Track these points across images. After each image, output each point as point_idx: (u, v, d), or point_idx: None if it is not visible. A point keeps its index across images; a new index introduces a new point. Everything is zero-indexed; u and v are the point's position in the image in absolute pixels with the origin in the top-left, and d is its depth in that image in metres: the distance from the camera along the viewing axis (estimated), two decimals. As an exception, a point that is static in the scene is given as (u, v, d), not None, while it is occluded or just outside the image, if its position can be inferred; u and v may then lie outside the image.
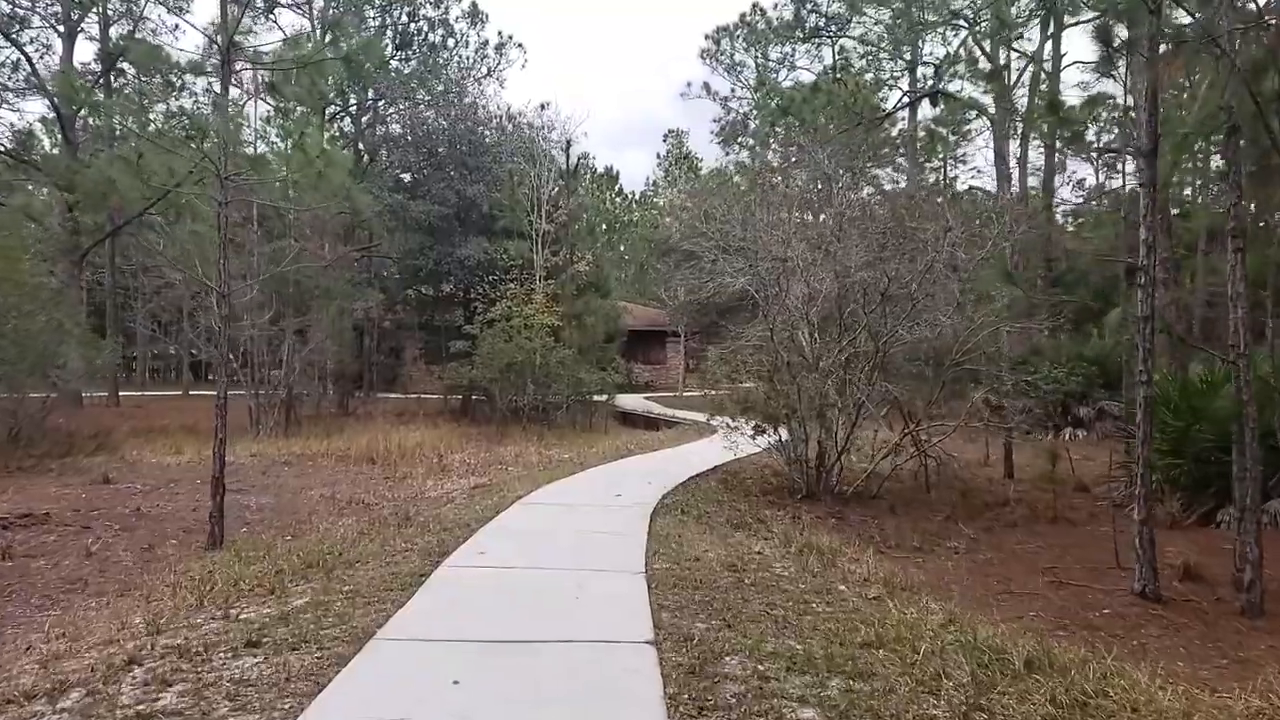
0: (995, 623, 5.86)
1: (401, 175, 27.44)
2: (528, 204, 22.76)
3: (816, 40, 39.34)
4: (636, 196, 72.98)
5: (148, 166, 9.34)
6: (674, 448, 17.85)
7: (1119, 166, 25.34)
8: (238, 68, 14.62)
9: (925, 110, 34.11)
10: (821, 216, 13.89)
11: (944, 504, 12.37)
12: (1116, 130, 18.20)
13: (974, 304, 12.13)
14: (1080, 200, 30.16)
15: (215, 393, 9.91)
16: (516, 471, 14.91)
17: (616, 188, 69.56)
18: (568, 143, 24.52)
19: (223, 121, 10.22)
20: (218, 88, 12.16)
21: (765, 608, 5.78)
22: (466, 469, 15.67)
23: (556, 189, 24.37)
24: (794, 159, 24.46)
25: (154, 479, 14.06)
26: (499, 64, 31.76)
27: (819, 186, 15.81)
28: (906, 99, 30.18)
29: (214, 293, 11.07)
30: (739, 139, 50.83)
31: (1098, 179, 31.11)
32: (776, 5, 42.02)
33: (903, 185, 33.25)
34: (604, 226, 64.03)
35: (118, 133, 23.17)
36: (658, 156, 74.24)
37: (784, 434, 12.58)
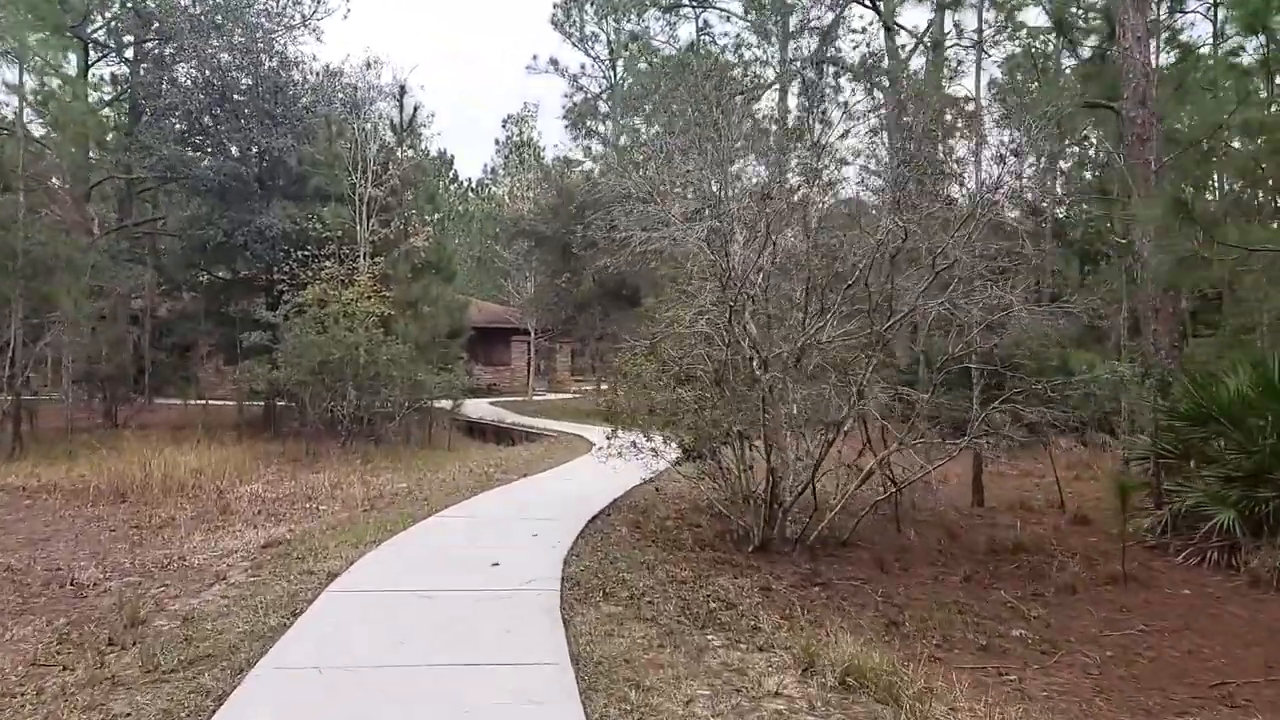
0: None
1: (182, 128, 21.86)
2: (349, 161, 18.13)
3: (676, 11, 36.17)
4: (473, 184, 67.90)
5: None
6: (546, 471, 13.84)
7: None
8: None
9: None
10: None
11: (932, 549, 9.10)
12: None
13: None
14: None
15: None
16: (331, 515, 10.52)
17: (451, 174, 64.23)
18: (401, 89, 20.01)
19: None
20: None
21: None
22: (258, 511, 11.07)
23: (387, 146, 19.78)
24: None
25: None
26: (314, 10, 26.48)
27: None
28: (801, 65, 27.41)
29: None
30: (588, 122, 47.32)
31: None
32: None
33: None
34: (437, 216, 58.42)
35: None
36: (496, 143, 69.42)
37: (725, 459, 8.92)
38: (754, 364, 8.05)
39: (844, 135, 10.50)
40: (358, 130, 18.86)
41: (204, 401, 22.59)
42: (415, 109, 19.91)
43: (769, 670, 4.95)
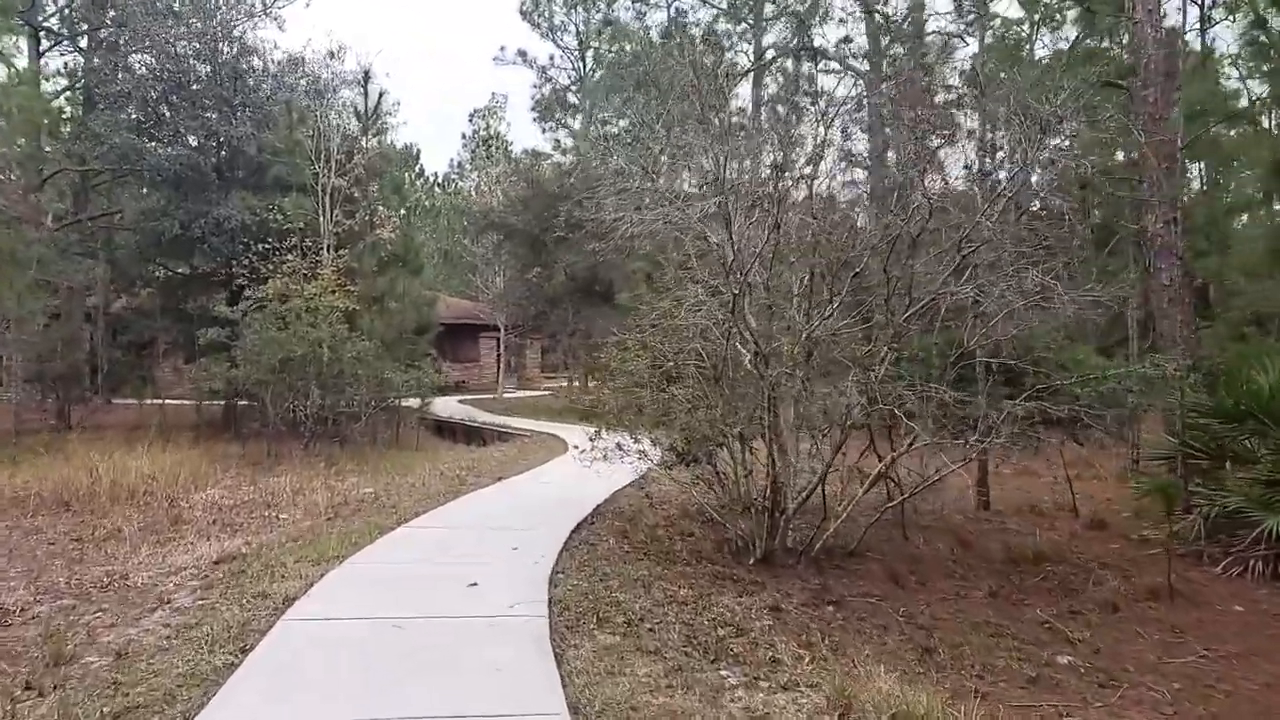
0: None
1: (138, 117, 20.69)
2: (311, 150, 17.18)
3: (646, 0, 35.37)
4: (439, 179, 66.59)
5: None
6: (522, 474, 13.08)
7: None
8: None
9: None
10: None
11: (945, 560, 8.50)
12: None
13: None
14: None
15: None
16: (292, 525, 9.72)
17: (417, 168, 62.93)
18: (365, 74, 19.07)
19: None
20: None
21: None
22: (213, 520, 10.24)
23: (351, 135, 18.84)
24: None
25: None
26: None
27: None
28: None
29: None
30: (556, 115, 46.38)
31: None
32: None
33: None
34: (403, 211, 57.01)
35: None
36: (463, 136, 68.20)
37: (721, 463, 8.25)
38: (756, 359, 7.36)
39: (831, 121, 9.77)
40: (320, 117, 17.91)
41: (161, 402, 21.51)
42: (380, 95, 19.03)
43: (778, 698, 4.29)
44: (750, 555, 7.86)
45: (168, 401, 22.62)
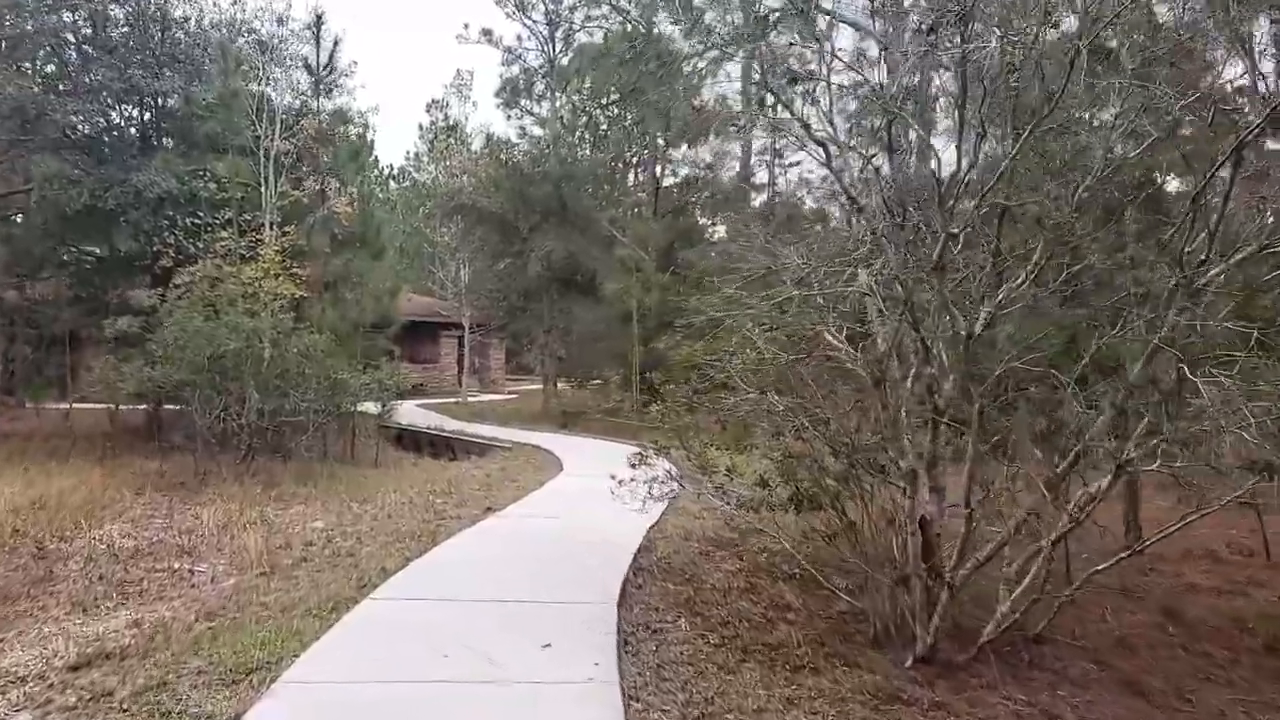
0: None
1: (43, 68, 17.50)
2: (251, 105, 14.23)
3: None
4: (394, 172, 63.14)
5: None
6: (515, 503, 10.27)
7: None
8: None
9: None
10: None
11: (1165, 642, 5.98)
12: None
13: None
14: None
15: None
16: (211, 587, 6.92)
17: (372, 158, 59.42)
18: (318, 18, 16.11)
19: None
20: None
21: None
22: (98, 577, 7.35)
23: (302, 93, 15.89)
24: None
25: None
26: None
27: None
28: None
29: None
30: (522, 101, 43.41)
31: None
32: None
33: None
34: (361, 180, 53.08)
35: None
36: (420, 128, 64.74)
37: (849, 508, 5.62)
38: (965, 348, 4.73)
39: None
40: (264, 68, 14.94)
41: (68, 407, 18.25)
42: (336, 43, 16.08)
43: None
44: (896, 644, 5.25)
45: (84, 406, 19.35)
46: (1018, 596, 5.42)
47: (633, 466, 6.89)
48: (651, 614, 5.87)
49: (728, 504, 6.29)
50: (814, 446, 5.27)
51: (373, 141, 58.10)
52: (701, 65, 28.69)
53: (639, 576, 6.85)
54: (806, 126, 5.49)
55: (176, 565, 7.91)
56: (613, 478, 6.78)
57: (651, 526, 8.49)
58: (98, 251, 18.65)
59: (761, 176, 35.75)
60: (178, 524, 9.89)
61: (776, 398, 5.21)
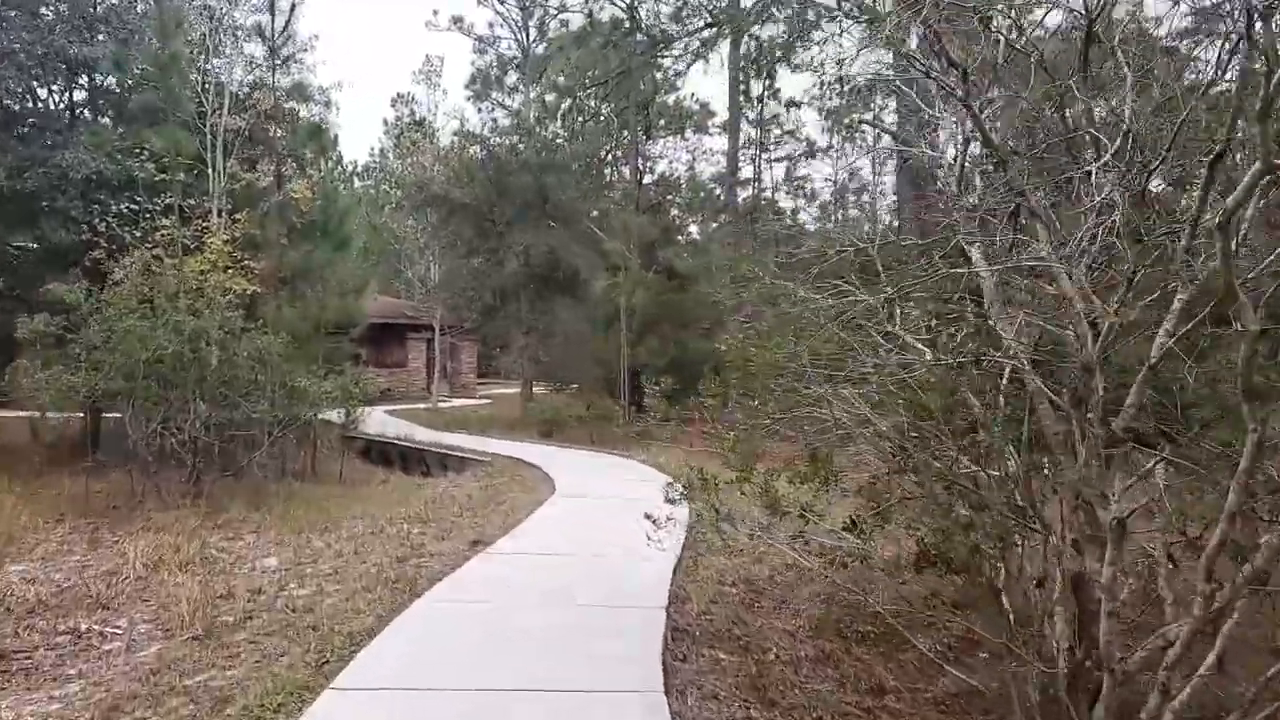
0: None
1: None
2: (197, 76, 12.53)
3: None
4: (357, 169, 61.03)
5: None
6: (509, 534, 8.69)
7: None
8: None
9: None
10: None
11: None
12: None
13: None
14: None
15: None
16: (123, 663, 5.29)
17: (334, 138, 57.17)
18: (274, -22, 14.40)
19: None
20: None
21: None
22: (-31, 652, 5.67)
23: (255, 64, 14.17)
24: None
25: None
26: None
27: None
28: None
29: None
30: (493, 93, 41.73)
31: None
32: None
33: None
34: (319, 203, 51.03)
35: None
36: (385, 123, 62.74)
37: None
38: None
39: None
40: (210, 34, 13.21)
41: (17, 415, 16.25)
42: (293, 7, 14.34)
43: None
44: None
45: (13, 414, 17.39)
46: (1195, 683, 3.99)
47: (670, 503, 5.41)
48: (710, 706, 4.37)
49: (806, 553, 4.79)
50: (945, 488, 3.79)
51: (336, 135, 56.21)
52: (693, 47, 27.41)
53: (680, 643, 5.34)
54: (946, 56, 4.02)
55: (85, 625, 6.24)
56: (648, 517, 5.28)
57: (669, 566, 7.00)
58: (24, 243, 16.71)
59: (746, 172, 34.55)
60: (98, 563, 8.20)
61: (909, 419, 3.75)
